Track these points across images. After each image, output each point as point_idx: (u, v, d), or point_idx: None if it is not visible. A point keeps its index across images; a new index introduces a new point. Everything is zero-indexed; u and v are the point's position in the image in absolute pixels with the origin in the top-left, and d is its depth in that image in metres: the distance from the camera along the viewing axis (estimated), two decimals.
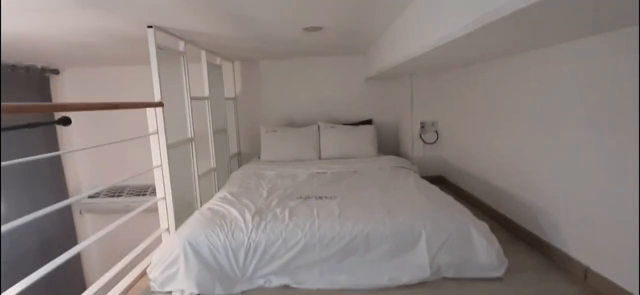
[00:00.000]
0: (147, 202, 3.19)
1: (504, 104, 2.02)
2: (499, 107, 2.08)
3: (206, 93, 2.65)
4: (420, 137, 3.05)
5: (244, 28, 2.06)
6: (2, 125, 1.36)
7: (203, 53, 2.61)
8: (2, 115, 0.86)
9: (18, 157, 1.17)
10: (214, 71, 2.85)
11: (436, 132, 3.04)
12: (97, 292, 1.49)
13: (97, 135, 3.31)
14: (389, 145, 3.47)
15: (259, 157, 3.18)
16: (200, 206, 2.34)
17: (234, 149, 3.38)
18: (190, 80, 2.28)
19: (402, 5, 1.70)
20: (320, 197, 1.90)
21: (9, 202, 2.62)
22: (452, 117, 2.84)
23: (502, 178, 2.08)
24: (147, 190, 3.43)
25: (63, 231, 3.13)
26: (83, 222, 3.43)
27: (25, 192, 2.70)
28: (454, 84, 2.77)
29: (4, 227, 1.04)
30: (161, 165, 1.91)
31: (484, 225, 1.55)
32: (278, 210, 1.72)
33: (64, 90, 3.22)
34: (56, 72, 3.06)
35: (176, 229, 1.98)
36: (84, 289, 3.55)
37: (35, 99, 2.86)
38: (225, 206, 1.81)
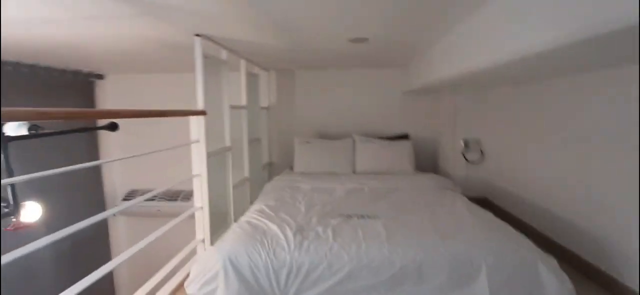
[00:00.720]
0: (183, 206, 3.27)
1: (565, 123, 1.85)
2: (559, 127, 1.91)
3: (244, 102, 2.63)
4: (463, 155, 2.88)
5: (288, 38, 2.01)
6: (55, 130, 1.36)
7: (243, 62, 2.59)
8: (63, 120, 0.82)
9: (59, 160, 1.15)
10: (252, 80, 2.83)
11: (481, 150, 2.86)
12: None
13: (134, 139, 3.38)
14: (426, 162, 3.31)
15: (291, 168, 3.12)
16: (233, 217, 2.30)
17: (265, 159, 3.34)
18: (229, 89, 2.27)
19: (464, 14, 1.58)
20: (362, 216, 1.79)
21: (50, 201, 2.69)
22: (500, 136, 2.66)
23: (563, 205, 1.89)
24: (178, 196, 3.44)
25: (97, 230, 3.19)
26: (115, 222, 3.48)
27: (64, 191, 2.76)
28: (502, 101, 2.60)
29: (52, 237, 1.01)
30: (200, 174, 1.88)
31: (553, 261, 1.38)
32: (320, 229, 1.63)
33: (105, 95, 3.31)
34: (101, 77, 3.16)
35: (211, 240, 1.94)
36: (113, 290, 3.57)
37: (79, 103, 2.95)
38: (264, 220, 1.73)
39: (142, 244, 1.47)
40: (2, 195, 1.15)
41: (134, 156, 1.46)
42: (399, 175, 2.78)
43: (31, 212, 1.22)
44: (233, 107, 2.35)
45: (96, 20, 1.60)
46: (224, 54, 2.23)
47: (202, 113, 1.86)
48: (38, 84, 2.53)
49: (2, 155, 1.12)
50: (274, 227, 1.65)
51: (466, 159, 2.87)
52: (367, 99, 3.38)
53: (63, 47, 2.14)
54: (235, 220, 2.18)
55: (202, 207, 1.91)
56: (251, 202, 2.59)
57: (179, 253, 1.80)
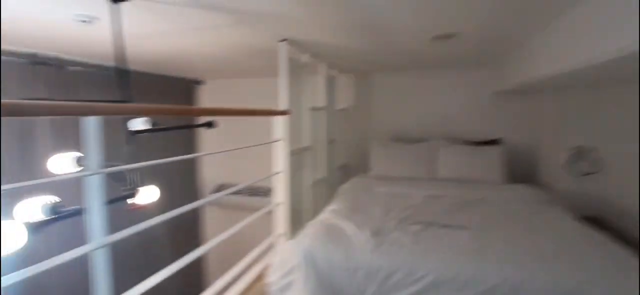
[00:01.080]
0: (262, 201, 3.53)
1: None
2: None
3: (323, 103, 2.70)
4: (570, 165, 2.46)
5: (369, 40, 2.00)
6: (168, 126, 1.60)
7: (323, 65, 2.67)
8: (174, 116, 0.95)
9: (167, 152, 1.33)
10: (330, 83, 2.89)
11: (594, 160, 2.40)
12: (218, 291, 1.59)
13: (225, 137, 3.76)
14: (521, 172, 2.92)
15: (367, 171, 3.08)
16: (311, 215, 2.37)
17: (341, 160, 3.37)
18: (309, 91, 2.35)
19: None
20: (446, 226, 1.66)
21: (162, 185, 3.17)
22: (621, 144, 2.19)
23: None
24: (259, 193, 3.71)
25: (193, 217, 3.63)
26: (207, 212, 3.91)
27: (168, 180, 3.20)
28: (624, 102, 2.14)
29: (162, 217, 1.17)
30: (282, 171, 1.98)
31: None
32: (398, 234, 1.57)
33: (204, 98, 3.77)
34: (201, 82, 3.60)
35: (290, 236, 2.04)
36: (202, 270, 3.96)
37: (183, 113, 3.41)
38: (340, 220, 1.74)
39: (227, 233, 1.62)
40: (128, 179, 1.39)
41: (225, 151, 1.62)
42: (487, 184, 2.51)
43: (150, 194, 1.43)
44: (312, 109, 2.43)
45: (200, 31, 1.82)
46: (305, 58, 2.32)
47: (285, 113, 1.96)
48: (154, 89, 3.01)
49: (129, 146, 1.35)
50: (350, 228, 1.64)
51: (574, 170, 2.44)
52: (451, 100, 3.14)
53: (173, 57, 2.50)
54: (312, 218, 2.25)
55: (282, 203, 2.01)
56: (327, 202, 2.64)
57: (260, 244, 1.93)
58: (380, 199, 2.19)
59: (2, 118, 0.45)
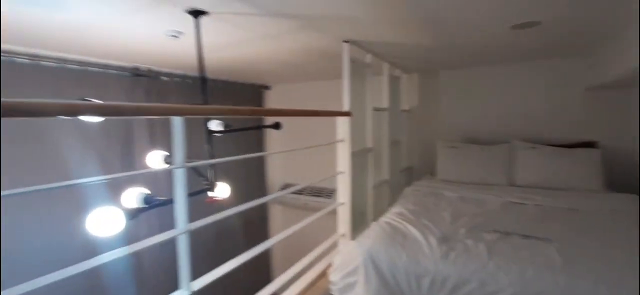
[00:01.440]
0: (325, 202, 3.60)
1: None
2: None
3: (386, 104, 2.64)
4: None
5: (436, 36, 1.90)
6: (237, 127, 1.74)
7: (385, 65, 2.62)
8: (244, 117, 1.03)
9: (238, 152, 1.43)
10: (394, 83, 2.82)
11: None
12: (282, 285, 1.65)
13: (291, 140, 3.92)
14: (624, 179, 2.48)
15: (432, 174, 2.92)
16: (372, 216, 2.34)
17: (404, 163, 3.25)
18: (372, 92, 2.32)
19: None
20: (527, 236, 1.49)
21: (233, 184, 3.46)
22: None
23: None
24: (322, 193, 3.78)
25: (260, 214, 3.85)
26: (274, 211, 4.12)
27: (240, 178, 3.45)
28: None
29: (237, 209, 1.27)
30: (344, 171, 1.99)
31: None
32: (470, 242, 1.45)
33: (271, 102, 3.99)
34: (268, 87, 3.82)
35: (351, 236, 2.03)
36: (268, 265, 4.18)
37: (254, 113, 3.66)
38: (405, 224, 1.68)
39: (291, 229, 1.68)
40: (207, 175, 1.53)
41: (290, 150, 1.68)
42: (579, 191, 2.19)
43: (223, 190, 1.56)
44: (375, 110, 2.39)
45: (268, 38, 1.93)
46: (368, 58, 2.30)
47: (347, 114, 1.97)
48: (228, 94, 3.28)
49: (208, 145, 1.49)
50: (415, 232, 1.57)
51: None
52: (532, 97, 2.81)
53: (243, 64, 2.70)
54: (374, 220, 2.21)
55: (344, 203, 2.02)
56: (389, 205, 2.57)
57: (323, 243, 1.96)
58: (449, 204, 2.06)
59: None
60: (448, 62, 2.85)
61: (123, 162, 2.39)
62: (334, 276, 1.55)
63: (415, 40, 2.02)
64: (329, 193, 3.72)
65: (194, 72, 2.92)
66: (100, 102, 0.77)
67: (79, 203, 2.15)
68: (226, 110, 1.06)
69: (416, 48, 2.22)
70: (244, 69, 2.94)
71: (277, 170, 4.11)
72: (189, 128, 1.21)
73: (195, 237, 1.07)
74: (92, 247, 2.18)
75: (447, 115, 3.19)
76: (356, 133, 2.13)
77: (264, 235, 3.90)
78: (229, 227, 3.33)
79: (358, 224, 2.18)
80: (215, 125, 1.61)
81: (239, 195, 1.88)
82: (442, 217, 1.81)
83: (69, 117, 2.10)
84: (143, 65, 2.54)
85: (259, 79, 3.55)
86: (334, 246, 2.06)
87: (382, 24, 1.70)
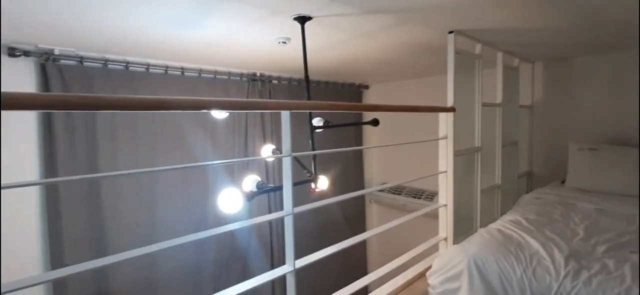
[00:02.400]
0: (425, 205, 3.43)
1: None
2: None
3: (498, 99, 2.35)
4: None
5: (570, 11, 1.60)
6: (337, 123, 1.81)
7: (499, 55, 2.33)
8: (344, 112, 1.07)
9: (339, 147, 1.48)
10: (510, 75, 2.49)
11: None
12: (377, 279, 1.65)
13: (389, 138, 3.87)
14: None
15: (563, 182, 2.45)
16: (479, 223, 2.11)
17: (523, 167, 2.83)
18: (482, 86, 2.10)
19: None
20: None
21: (332, 179, 3.63)
22: None
23: None
24: (422, 195, 3.59)
25: (357, 210, 3.92)
26: (370, 209, 4.13)
27: (339, 174, 3.57)
28: None
29: (336, 198, 1.33)
30: (446, 171, 1.86)
31: None
32: (610, 263, 1.18)
33: (369, 101, 4.01)
34: (366, 87, 3.86)
35: (453, 240, 1.88)
36: (364, 261, 4.22)
37: (353, 108, 3.74)
38: (521, 233, 1.47)
39: (389, 224, 1.65)
40: (310, 167, 1.66)
41: (389, 145, 1.66)
42: None
43: (323, 182, 1.66)
44: (485, 105, 2.16)
45: (368, 36, 1.96)
46: (478, 48, 2.09)
47: (451, 110, 1.84)
48: (329, 95, 3.45)
49: (311, 140, 1.61)
50: (534, 244, 1.36)
51: None
52: None
53: (343, 65, 2.79)
54: (481, 226, 2.00)
55: (446, 205, 1.89)
56: (501, 212, 2.28)
57: (421, 244, 1.87)
58: (584, 217, 1.70)
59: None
60: (586, 46, 2.36)
61: (241, 153, 2.78)
62: (433, 279, 1.48)
63: (540, 22, 1.74)
64: (430, 195, 3.52)
65: (298, 75, 3.18)
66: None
67: (208, 186, 2.60)
68: (327, 105, 1.14)
69: (540, 31, 1.91)
70: (343, 70, 3.05)
71: (374, 169, 4.11)
72: (295, 125, 1.34)
73: (297, 226, 1.16)
74: (217, 220, 2.62)
75: (583, 112, 2.63)
76: (461, 131, 1.96)
77: (360, 233, 3.95)
78: (328, 221, 3.49)
79: (462, 229, 2.00)
80: (317, 121, 1.72)
81: (337, 192, 1.97)
82: (573, 231, 1.51)
83: (198, 113, 2.50)
84: (257, 71, 2.90)
85: (357, 78, 3.62)
86: (434, 249, 1.95)
87: (496, 7, 1.53)
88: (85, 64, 2.05)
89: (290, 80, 3.12)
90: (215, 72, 2.61)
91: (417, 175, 2.00)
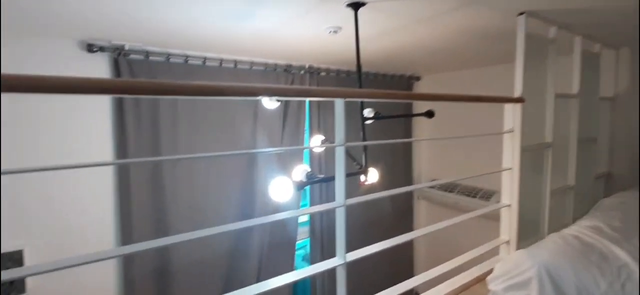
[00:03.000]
0: (480, 204, 3.19)
1: None
2: None
3: (575, 90, 2.08)
4: None
5: None
6: (386, 114, 1.74)
7: (577, 39, 2.05)
8: (399, 100, 1.01)
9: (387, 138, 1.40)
10: (589, 62, 2.18)
11: None
12: (432, 279, 1.55)
13: (443, 131, 3.66)
14: None
15: None
16: (547, 228, 1.89)
17: (602, 167, 2.49)
18: (556, 75, 1.87)
19: None
20: None
21: (381, 172, 3.54)
22: None
23: None
24: (477, 193, 3.35)
25: (405, 206, 3.77)
26: (419, 206, 3.95)
27: (388, 167, 3.46)
28: None
29: (385, 193, 1.27)
30: (511, 168, 1.69)
31: None
32: None
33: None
34: (418, 78, 3.67)
35: (517, 245, 1.71)
36: (411, 260, 4.08)
37: (403, 103, 3.59)
38: (605, 242, 1.28)
39: (445, 223, 1.54)
40: (361, 159, 1.61)
41: (445, 138, 1.55)
42: None
43: (373, 175, 1.61)
44: (559, 96, 1.92)
45: (423, 22, 1.84)
46: (552, 32, 1.86)
47: (519, 100, 1.66)
48: (379, 85, 3.35)
49: (361, 132, 1.56)
50: (622, 255, 1.18)
51: None
52: None
53: (394, 55, 2.68)
54: (549, 231, 1.79)
55: (510, 205, 1.72)
56: (574, 217, 2.03)
57: (480, 246, 1.73)
58: None
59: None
60: None
61: (292, 142, 2.82)
62: (495, 285, 1.35)
63: (628, 0, 1.49)
64: (486, 194, 3.27)
65: (347, 66, 3.11)
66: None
67: (257, 175, 2.67)
68: (382, 93, 1.08)
69: (628, 11, 1.64)
70: (395, 60, 2.92)
71: (424, 164, 3.92)
72: (349, 116, 1.30)
73: (348, 220, 1.12)
74: (264, 207, 2.69)
75: None
76: (530, 124, 1.76)
77: (408, 229, 3.81)
78: (374, 216, 3.42)
79: (526, 233, 1.81)
80: (368, 112, 1.67)
81: (385, 186, 1.89)
82: None
83: (253, 102, 2.56)
84: (306, 63, 2.90)
85: (408, 69, 3.46)
86: (493, 253, 1.79)
87: None
88: (150, 58, 2.21)
89: (338, 72, 3.08)
90: (265, 65, 2.66)
91: (472, 173, 1.85)
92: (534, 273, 1.19)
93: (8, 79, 0.55)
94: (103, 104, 2.17)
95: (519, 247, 1.69)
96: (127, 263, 2.23)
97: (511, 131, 1.69)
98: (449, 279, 1.62)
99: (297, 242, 3.11)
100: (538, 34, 1.78)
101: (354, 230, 3.17)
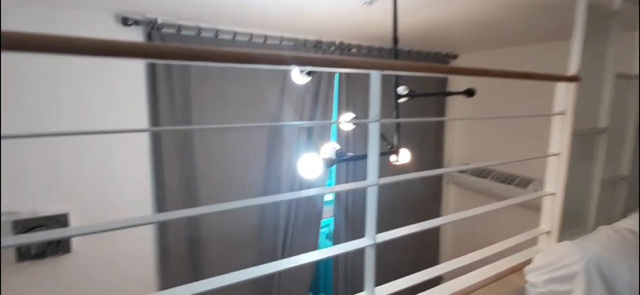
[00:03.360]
0: (516, 192, 3.02)
1: None
2: None
3: (637, 70, 1.85)
4: None
5: None
6: (426, 92, 1.64)
7: None
8: (440, 75, 0.92)
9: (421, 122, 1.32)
10: None
11: None
12: (464, 266, 1.48)
13: (478, 112, 3.46)
14: None
15: None
16: (595, 220, 1.75)
17: None
18: (615, 51, 1.66)
19: None
20: None
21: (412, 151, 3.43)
22: None
23: None
24: (513, 180, 3.17)
25: (434, 189, 3.66)
26: (448, 190, 3.82)
27: (417, 148, 3.34)
28: None
29: (417, 174, 1.20)
30: (560, 153, 1.55)
31: None
32: None
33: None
34: (455, 57, 3.46)
35: (558, 236, 1.59)
36: (437, 242, 4.00)
37: (437, 81, 3.41)
38: None
39: (483, 209, 1.45)
40: (392, 139, 1.54)
41: (490, 118, 1.44)
42: None
43: (405, 156, 1.53)
44: (620, 76, 1.72)
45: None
46: (616, 3, 1.65)
47: (574, 79, 1.50)
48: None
49: (395, 110, 1.48)
50: None
51: None
52: None
53: (431, 30, 2.52)
54: (596, 224, 1.65)
55: (554, 194, 1.59)
56: (625, 210, 1.86)
57: (518, 235, 1.62)
58: None
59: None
60: None
61: (322, 118, 2.78)
62: (534, 276, 1.27)
63: None
64: (523, 181, 3.08)
65: (380, 43, 2.98)
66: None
67: (285, 151, 2.67)
68: (422, 66, 1.00)
69: None
70: (431, 36, 2.75)
71: (456, 147, 3.75)
72: (383, 93, 1.22)
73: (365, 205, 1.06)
74: (291, 184, 2.70)
75: None
76: (583, 107, 1.60)
77: (435, 214, 3.71)
78: (402, 197, 3.34)
79: (569, 224, 1.68)
80: (402, 90, 1.58)
81: (415, 168, 1.82)
82: None
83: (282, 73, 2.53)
84: (337, 39, 2.80)
85: (445, 46, 3.25)
86: (531, 243, 1.68)
87: None
88: (182, 32, 2.21)
89: (370, 48, 2.96)
90: (295, 40, 2.60)
91: (507, 158, 1.71)
92: (582, 267, 1.10)
93: (48, 39, 0.54)
94: (138, 79, 2.22)
95: (560, 239, 1.58)
96: (162, 231, 2.34)
97: (562, 113, 1.54)
98: (483, 266, 1.55)
99: (323, 220, 3.12)
100: (600, 4, 1.58)
101: (383, 214, 3.12)
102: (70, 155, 2.07)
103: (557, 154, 1.56)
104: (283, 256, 2.75)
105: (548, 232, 1.64)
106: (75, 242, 2.13)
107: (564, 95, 1.54)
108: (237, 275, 0.83)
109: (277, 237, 2.73)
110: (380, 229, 1.10)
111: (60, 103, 2.01)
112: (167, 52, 0.65)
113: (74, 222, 2.11)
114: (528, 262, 1.43)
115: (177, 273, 2.39)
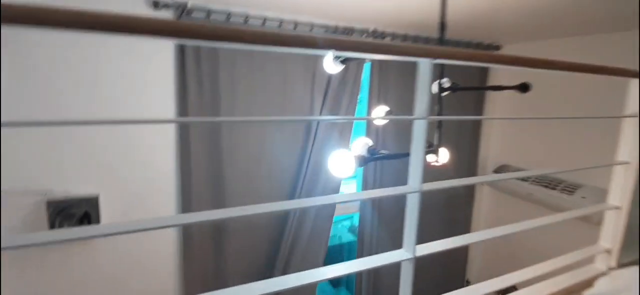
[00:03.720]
0: (561, 199, 2.76)
1: None
2: None
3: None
4: None
5: None
6: (471, 86, 1.48)
7: None
8: (504, 65, 0.78)
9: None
10: None
11: None
12: (501, 289, 1.33)
13: (518, 112, 3.20)
14: None
15: None
16: None
17: None
18: None
19: None
20: None
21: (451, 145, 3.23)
22: None
23: None
24: (557, 185, 2.90)
25: (465, 192, 3.44)
26: (481, 192, 3.58)
27: (452, 146, 3.14)
28: None
29: (436, 185, 1.06)
30: (630, 162, 1.35)
31: None
32: None
33: (498, 67, 3.33)
34: (498, 48, 3.20)
35: (619, 255, 1.39)
36: (465, 253, 3.75)
37: (478, 74, 3.17)
38: None
39: (533, 223, 1.29)
40: (429, 137, 1.39)
41: (555, 118, 1.26)
42: None
43: (444, 155, 1.39)
44: None
45: None
46: None
47: None
48: None
49: (438, 104, 1.33)
50: None
51: None
52: None
53: (475, 17, 2.30)
54: None
55: (619, 207, 1.39)
56: None
57: (571, 253, 1.44)
58: None
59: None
60: None
61: (348, 113, 2.65)
62: None
63: None
64: (568, 187, 2.81)
65: (416, 31, 2.78)
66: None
67: (316, 145, 2.58)
68: (482, 55, 0.85)
69: None
70: (474, 24, 2.53)
71: (493, 147, 3.50)
72: (402, 85, 1.08)
73: (390, 200, 0.93)
74: (318, 180, 2.61)
75: None
76: None
77: (466, 219, 3.49)
78: (428, 199, 3.16)
79: (631, 242, 1.47)
80: (446, 82, 1.42)
81: (449, 169, 1.66)
82: None
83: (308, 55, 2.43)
84: (371, 26, 2.65)
85: (487, 37, 3.00)
86: (587, 261, 1.49)
87: None
88: (211, 16, 2.15)
89: (405, 37, 2.78)
90: (326, 27, 2.48)
91: (554, 162, 1.51)
92: None
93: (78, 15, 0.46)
94: (167, 67, 2.19)
95: (621, 258, 1.38)
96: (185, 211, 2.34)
97: (635, 116, 1.33)
98: (526, 286, 1.38)
99: (345, 215, 3.01)
100: None
101: (397, 211, 2.94)
102: (100, 141, 2.10)
103: (627, 163, 1.35)
104: (291, 249, 2.67)
105: (608, 251, 1.44)
106: (104, 219, 2.17)
107: (635, 95, 1.32)
108: (258, 286, 0.75)
109: (292, 231, 2.65)
110: (400, 230, 0.98)
111: (93, 88, 2.02)
112: (194, 31, 0.57)
113: (104, 204, 2.14)
114: (586, 283, 1.25)
115: (199, 253, 2.40)
